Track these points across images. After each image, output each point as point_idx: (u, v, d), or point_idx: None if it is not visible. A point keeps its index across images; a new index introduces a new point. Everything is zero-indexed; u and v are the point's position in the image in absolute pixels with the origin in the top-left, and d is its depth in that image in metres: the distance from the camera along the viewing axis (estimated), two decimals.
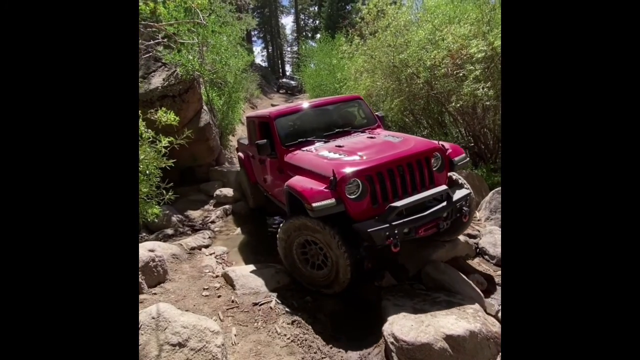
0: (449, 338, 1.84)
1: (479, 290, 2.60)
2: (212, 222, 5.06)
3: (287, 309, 2.58)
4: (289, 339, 2.23)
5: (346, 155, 2.77)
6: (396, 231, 2.34)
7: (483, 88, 4.75)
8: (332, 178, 2.42)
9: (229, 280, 3.02)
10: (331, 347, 2.20)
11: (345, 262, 2.45)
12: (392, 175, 2.55)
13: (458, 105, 5.29)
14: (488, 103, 4.93)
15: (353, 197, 2.44)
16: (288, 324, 2.40)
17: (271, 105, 18.12)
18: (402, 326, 1.99)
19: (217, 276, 3.19)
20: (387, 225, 2.34)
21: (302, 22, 34.03)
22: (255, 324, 2.44)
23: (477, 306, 2.23)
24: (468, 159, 3.08)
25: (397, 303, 2.31)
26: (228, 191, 5.74)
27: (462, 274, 2.73)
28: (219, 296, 2.83)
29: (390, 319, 2.13)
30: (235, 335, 2.28)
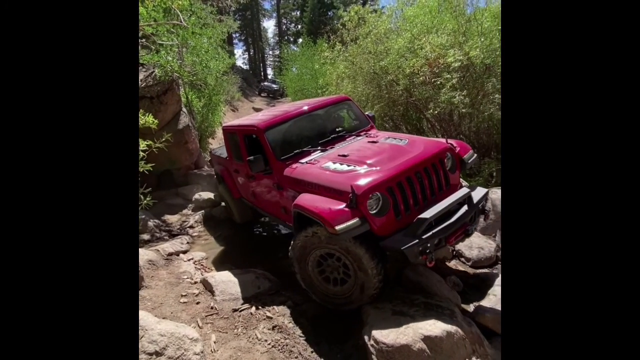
0: (426, 339, 1.89)
1: (455, 292, 2.69)
2: (191, 226, 4.94)
3: (268, 315, 2.56)
4: (269, 344, 2.22)
5: (356, 165, 2.52)
6: (428, 244, 2.17)
7: (459, 96, 4.94)
8: (351, 194, 2.16)
9: (208, 286, 2.97)
10: (312, 352, 2.20)
11: (374, 276, 2.27)
12: (411, 183, 2.37)
13: (435, 112, 5.47)
14: (464, 110, 5.13)
15: (375, 212, 2.23)
16: (269, 329, 2.38)
17: (252, 108, 18.00)
18: (382, 329, 2.02)
19: (195, 282, 3.13)
20: (419, 240, 2.15)
21: (284, 26, 34.08)
22: (235, 330, 2.41)
23: (453, 307, 2.31)
24: (476, 155, 2.95)
25: (377, 306, 2.34)
26: (207, 195, 5.63)
27: (439, 276, 2.80)
28: (198, 302, 2.77)
29: (370, 322, 2.16)
30: (214, 342, 2.24)
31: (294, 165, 2.90)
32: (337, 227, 2.11)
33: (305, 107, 3.45)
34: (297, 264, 2.61)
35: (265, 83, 23.76)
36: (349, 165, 2.55)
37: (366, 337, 2.06)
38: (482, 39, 5.04)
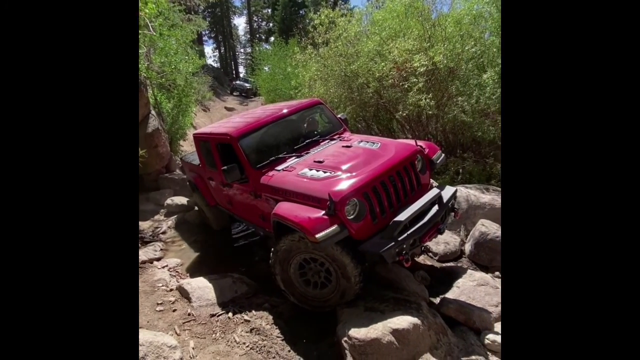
0: (395, 332, 2.04)
1: (423, 286, 2.88)
2: (163, 232, 4.85)
3: (245, 318, 2.62)
4: (247, 346, 2.29)
5: (332, 171, 2.57)
6: (404, 246, 2.27)
7: (425, 99, 5.20)
8: (329, 202, 2.21)
9: (184, 293, 2.97)
10: (289, 351, 2.29)
11: (353, 271, 2.35)
12: (386, 187, 2.47)
13: (404, 114, 5.71)
14: (430, 112, 5.40)
15: (353, 217, 2.29)
16: (247, 332, 2.45)
17: (225, 108, 17.65)
18: (354, 325, 2.15)
19: (171, 290, 3.12)
20: (395, 242, 2.25)
21: (255, 24, 33.60)
22: (214, 335, 2.45)
23: (420, 300, 2.49)
24: (444, 155, 3.09)
25: (351, 303, 2.47)
26: (180, 200, 5.54)
27: (408, 272, 2.99)
28: (175, 310, 2.78)
29: (344, 320, 2.29)
30: (193, 349, 2.28)
31: (271, 173, 2.90)
32: (318, 236, 2.15)
33: (278, 113, 3.43)
34: (279, 266, 2.63)
35: (238, 82, 23.34)
36: (325, 172, 2.59)
37: (340, 334, 2.19)
38: (446, 44, 5.33)
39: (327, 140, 3.31)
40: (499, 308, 2.66)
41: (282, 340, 2.40)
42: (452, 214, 2.81)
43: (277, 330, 2.49)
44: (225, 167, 2.91)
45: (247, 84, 21.22)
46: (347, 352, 2.10)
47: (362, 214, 2.33)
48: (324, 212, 2.26)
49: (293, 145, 3.24)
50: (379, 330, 2.06)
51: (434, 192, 2.60)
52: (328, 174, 2.56)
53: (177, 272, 3.61)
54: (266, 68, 14.67)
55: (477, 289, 2.77)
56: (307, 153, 3.08)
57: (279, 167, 2.93)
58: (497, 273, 3.37)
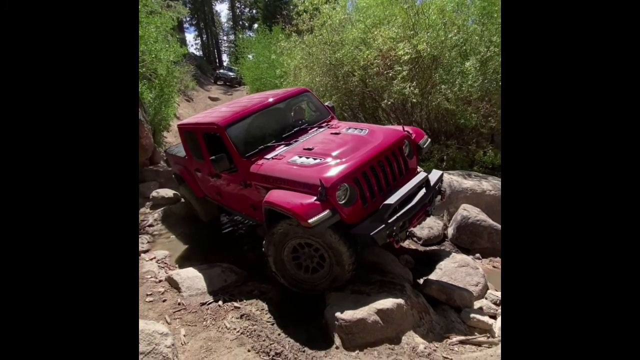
0: (380, 312, 2.14)
1: (407, 269, 3.00)
2: (150, 225, 4.81)
3: (235, 305, 2.68)
4: (238, 331, 2.35)
5: (322, 158, 2.61)
6: (394, 228, 2.35)
7: (409, 87, 5.26)
8: (320, 188, 2.26)
9: (173, 284, 2.99)
10: (279, 334, 2.37)
11: (348, 259, 2.41)
12: (375, 172, 2.52)
13: (390, 102, 5.77)
14: (415, 100, 5.47)
15: (344, 202, 2.34)
16: (237, 318, 2.50)
17: (209, 98, 17.30)
18: (341, 307, 2.24)
19: (160, 281, 3.13)
20: (385, 224, 2.32)
21: (238, 11, 32.68)
22: (204, 322, 2.50)
23: (404, 282, 2.60)
24: (430, 140, 3.14)
25: (338, 287, 2.56)
26: (166, 192, 5.48)
27: (393, 256, 3.10)
28: (164, 300, 2.81)
29: (332, 302, 2.37)
30: (184, 336, 2.32)
31: (260, 162, 2.90)
32: (310, 221, 2.20)
33: (265, 101, 3.41)
34: (272, 248, 2.65)
35: (221, 71, 22.82)
36: (315, 159, 2.62)
37: (328, 316, 2.27)
38: (430, 32, 5.36)
39: (316, 128, 3.31)
40: (479, 287, 2.81)
41: (272, 324, 2.47)
42: (439, 196, 2.89)
43: (267, 315, 2.56)
44: (214, 157, 2.89)
45: (231, 73, 20.78)
46: (334, 332, 2.19)
47: (353, 198, 2.39)
48: (315, 198, 2.30)
49: (281, 134, 3.22)
50: (365, 311, 2.15)
51: (421, 175, 2.69)
52: (318, 160, 2.59)
53: (165, 263, 3.61)
54: (250, 56, 14.40)
55: (459, 270, 2.90)
56: (295, 141, 3.07)
57: (268, 156, 2.93)
58: (477, 255, 3.53)
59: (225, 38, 34.62)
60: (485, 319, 2.40)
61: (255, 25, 23.50)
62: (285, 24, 8.82)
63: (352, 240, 2.43)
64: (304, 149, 2.83)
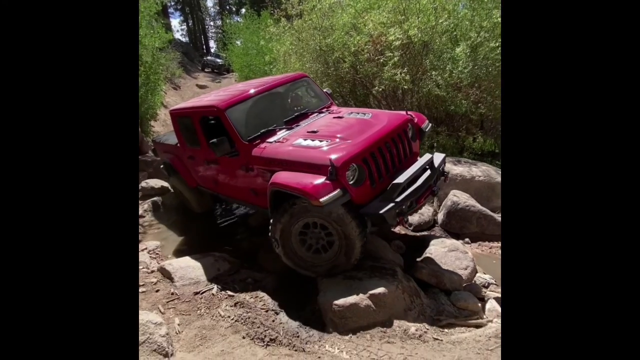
0: (372, 296, 2.18)
1: (398, 254, 3.05)
2: (141, 216, 4.76)
3: (229, 293, 2.70)
4: (232, 319, 2.37)
5: (328, 140, 2.60)
6: (403, 207, 2.39)
7: (400, 73, 5.23)
8: (330, 167, 2.27)
9: (166, 274, 2.99)
10: (273, 321, 2.40)
11: (359, 243, 2.43)
12: (382, 153, 2.55)
13: (380, 89, 5.73)
14: (405, 87, 5.45)
15: (353, 182, 2.37)
16: (231, 306, 2.52)
17: (196, 85, 16.90)
18: (334, 292, 2.28)
19: (152, 271, 3.12)
20: (395, 203, 2.35)
21: None
22: (198, 311, 2.51)
23: (395, 267, 2.64)
24: (431, 124, 3.16)
25: (330, 273, 2.59)
26: (155, 182, 5.40)
27: (385, 242, 3.14)
28: (157, 290, 2.80)
29: (324, 288, 2.41)
30: (178, 325, 2.33)
31: (263, 145, 2.86)
32: (322, 200, 2.20)
33: (265, 85, 3.34)
34: (279, 226, 2.61)
35: (209, 57, 22.26)
36: (321, 141, 2.62)
37: (321, 301, 2.31)
38: (420, 17, 5.30)
39: (316, 114, 3.28)
40: (468, 271, 2.88)
41: (266, 311, 2.50)
42: (443, 177, 2.94)
43: (261, 303, 2.59)
44: (214, 140, 2.81)
45: (219, 60, 20.26)
46: (328, 317, 2.23)
47: (362, 178, 2.41)
48: (325, 177, 2.30)
49: (282, 118, 3.17)
50: (357, 296, 2.19)
51: (426, 157, 2.73)
52: (325, 142, 2.59)
53: (157, 254, 3.59)
54: (238, 42, 14.04)
55: (448, 254, 2.96)
56: (297, 126, 3.04)
57: (271, 139, 2.89)
58: (466, 239, 3.60)
59: (212, 24, 33.62)
60: (474, 301, 2.47)
61: (243, 10, 22.83)
62: (273, 9, 8.61)
63: (363, 224, 2.45)
64: (308, 132, 2.81)
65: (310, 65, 6.76)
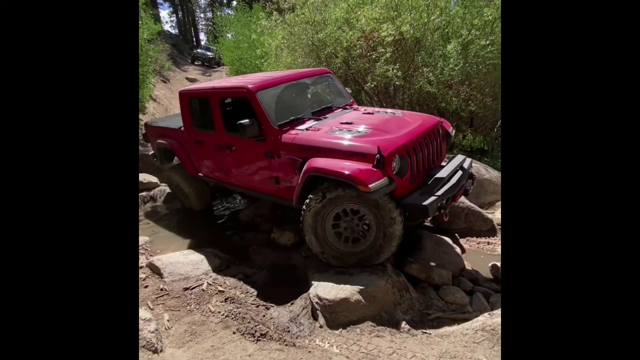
0: (362, 291, 2.20)
1: None
2: None
3: (220, 289, 2.68)
4: (223, 315, 2.36)
5: (368, 130, 2.60)
6: (444, 201, 2.42)
7: (393, 69, 5.24)
8: (378, 155, 2.26)
9: (155, 270, 2.95)
10: (264, 316, 2.40)
11: (398, 233, 2.43)
12: (421, 149, 2.59)
13: (373, 85, 5.74)
14: (397, 83, 5.47)
15: (396, 173, 2.38)
16: (221, 302, 2.51)
17: (186, 79, 16.61)
18: (325, 287, 2.29)
19: (141, 267, 3.08)
20: (437, 197, 2.38)
21: None
22: (188, 307, 2.50)
23: (386, 262, 2.66)
24: (454, 130, 3.28)
25: (321, 268, 2.61)
26: (144, 176, 5.31)
27: None
28: (146, 286, 2.77)
29: (315, 283, 2.42)
30: (168, 321, 2.32)
31: (293, 132, 2.79)
32: (371, 186, 2.19)
33: (294, 74, 3.34)
34: (312, 212, 2.54)
35: (199, 50, 21.84)
36: (359, 131, 2.61)
37: (312, 296, 2.32)
38: (413, 13, 5.31)
39: (341, 109, 3.25)
40: (456, 266, 2.93)
41: (257, 306, 2.50)
42: (471, 180, 3.00)
43: (252, 298, 2.59)
44: (245, 121, 2.72)
45: (209, 53, 19.91)
46: (318, 312, 2.24)
47: (404, 170, 2.44)
48: (371, 165, 2.29)
49: (308, 109, 3.17)
50: (348, 290, 2.21)
51: (459, 157, 2.83)
52: (364, 132, 2.59)
53: (145, 249, 3.54)
54: (229, 35, 13.82)
55: (437, 249, 3.01)
56: (325, 118, 3.01)
57: (301, 127, 2.85)
58: (455, 235, 3.66)
59: (202, 15, 32.99)
60: (462, 295, 2.52)
61: (235, 3, 22.47)
62: (265, 2, 8.49)
63: (402, 213, 2.46)
64: (342, 123, 2.80)
65: (302, 60, 6.71)
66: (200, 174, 3.78)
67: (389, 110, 3.19)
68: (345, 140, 2.53)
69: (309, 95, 3.42)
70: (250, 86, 2.91)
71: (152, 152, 4.54)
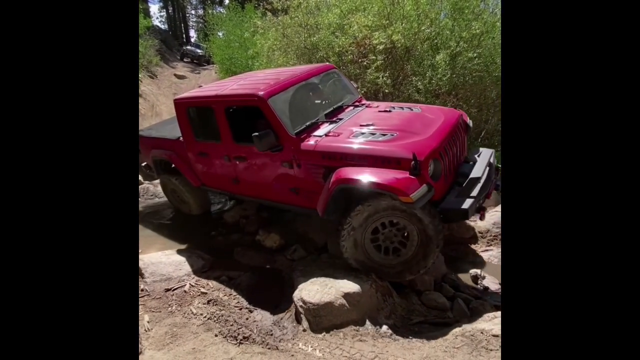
0: (346, 295, 2.22)
1: None
2: None
3: (202, 291, 2.64)
4: (205, 317, 2.33)
5: (393, 133, 2.44)
6: (481, 201, 2.31)
7: (383, 77, 5.32)
8: (413, 162, 2.11)
9: None
10: (247, 319, 2.38)
11: (439, 240, 2.31)
12: (451, 147, 2.46)
13: (362, 91, 5.80)
14: (387, 91, 5.55)
15: (431, 177, 2.25)
16: (204, 304, 2.48)
17: (174, 75, 16.33)
18: (309, 291, 2.29)
19: None
20: (475, 198, 2.26)
21: None
22: (169, 308, 2.45)
23: None
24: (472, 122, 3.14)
25: (306, 272, 2.61)
26: None
27: None
28: None
29: (300, 286, 2.42)
30: (148, 322, 2.26)
31: (312, 139, 2.61)
32: (412, 195, 2.06)
33: (303, 73, 3.06)
34: (352, 227, 2.40)
35: (189, 47, 21.54)
36: (384, 134, 2.45)
37: (296, 299, 2.32)
38: (404, 23, 5.42)
39: (352, 107, 3.04)
40: (438, 272, 2.98)
41: (240, 309, 2.48)
42: (498, 174, 2.92)
43: (235, 301, 2.56)
44: (259, 133, 2.53)
45: (199, 50, 19.66)
46: (302, 315, 2.24)
47: (439, 173, 2.31)
48: (407, 172, 2.15)
49: (320, 111, 2.96)
50: (332, 294, 2.22)
51: (487, 151, 2.70)
52: (390, 135, 2.43)
53: None
54: (220, 34, 13.70)
55: None
56: (339, 119, 2.81)
57: (318, 133, 2.66)
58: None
59: (193, 12, 32.56)
60: (444, 301, 2.57)
61: (227, 1, 22.31)
62: (259, 2, 8.48)
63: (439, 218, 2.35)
64: (361, 124, 2.62)
65: (294, 63, 6.72)
66: (204, 185, 3.56)
67: (404, 105, 2.96)
68: (374, 145, 2.37)
69: (319, 96, 3.23)
70: (260, 93, 2.67)
71: (144, 163, 4.23)
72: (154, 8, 29.55)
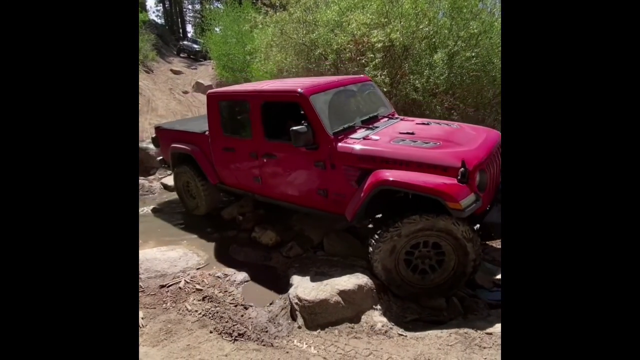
0: (342, 293, 2.22)
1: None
2: None
3: (197, 287, 2.64)
4: (200, 314, 2.32)
5: (437, 142, 2.42)
6: None
7: (381, 75, 5.31)
8: (462, 169, 2.06)
9: None
10: (242, 315, 2.38)
11: (479, 253, 2.22)
12: (493, 163, 2.41)
13: None
14: (385, 89, 5.55)
15: (477, 187, 2.18)
16: (199, 300, 2.47)
17: (171, 70, 16.18)
18: (305, 288, 2.30)
19: None
20: None
21: None
22: (164, 305, 2.44)
23: (365, 264, 2.70)
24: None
25: (302, 269, 2.61)
26: None
27: (356, 239, 3.20)
28: None
29: (296, 283, 2.42)
30: (142, 319, 2.25)
31: (350, 141, 2.59)
32: (462, 202, 1.99)
33: (343, 79, 3.16)
34: (386, 244, 2.30)
35: (185, 42, 21.36)
36: (426, 142, 2.43)
37: (291, 296, 2.32)
38: (402, 21, 5.41)
39: (386, 119, 3.09)
40: None
41: (235, 306, 2.47)
42: None
43: (230, 297, 2.56)
44: (298, 127, 2.48)
45: (196, 45, 19.49)
46: (297, 312, 2.24)
47: (484, 185, 2.24)
48: (455, 180, 2.09)
49: (358, 117, 2.97)
50: (327, 292, 2.22)
51: None
52: (434, 144, 2.40)
53: None
54: (217, 29, 13.58)
55: None
56: (375, 127, 2.81)
57: (356, 136, 2.66)
58: None
59: (190, 7, 32.28)
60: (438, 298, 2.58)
61: None
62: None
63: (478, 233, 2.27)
64: (401, 132, 2.63)
65: (292, 59, 6.70)
66: (222, 183, 3.54)
67: (440, 121, 2.99)
68: (419, 150, 2.33)
69: (355, 103, 3.23)
70: (301, 90, 2.68)
71: (160, 157, 4.27)
72: (151, 2, 29.29)
